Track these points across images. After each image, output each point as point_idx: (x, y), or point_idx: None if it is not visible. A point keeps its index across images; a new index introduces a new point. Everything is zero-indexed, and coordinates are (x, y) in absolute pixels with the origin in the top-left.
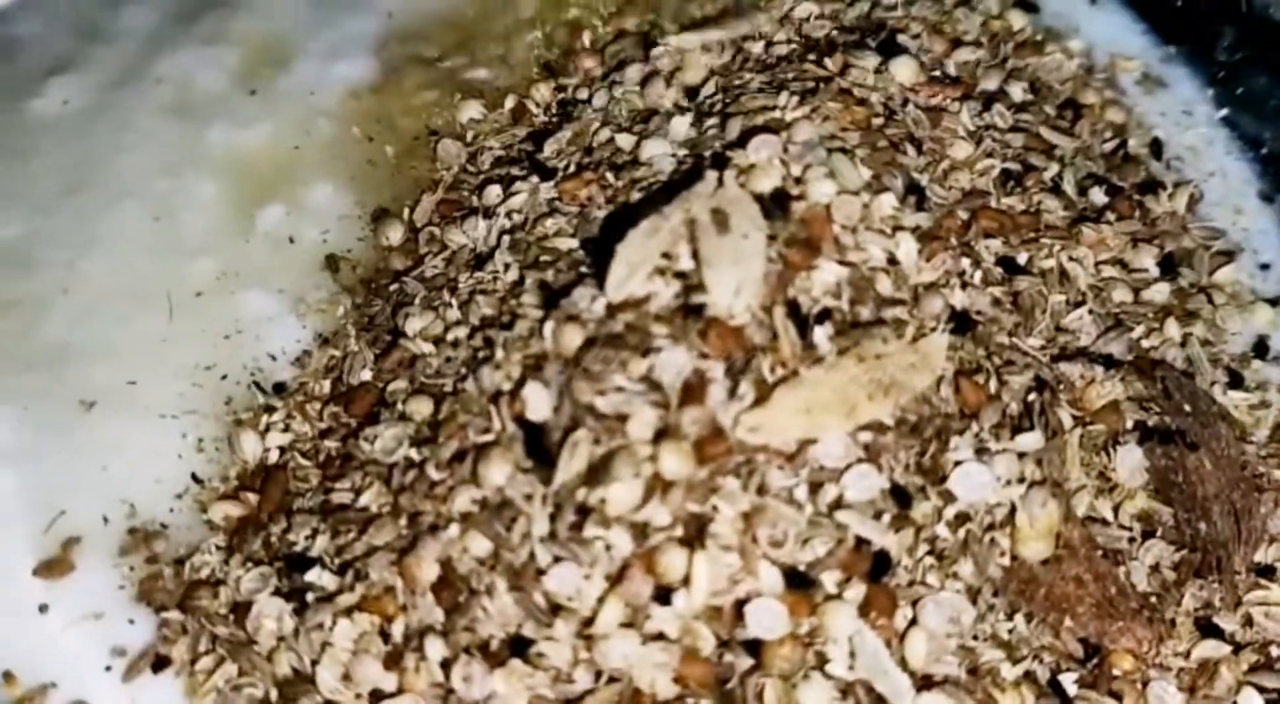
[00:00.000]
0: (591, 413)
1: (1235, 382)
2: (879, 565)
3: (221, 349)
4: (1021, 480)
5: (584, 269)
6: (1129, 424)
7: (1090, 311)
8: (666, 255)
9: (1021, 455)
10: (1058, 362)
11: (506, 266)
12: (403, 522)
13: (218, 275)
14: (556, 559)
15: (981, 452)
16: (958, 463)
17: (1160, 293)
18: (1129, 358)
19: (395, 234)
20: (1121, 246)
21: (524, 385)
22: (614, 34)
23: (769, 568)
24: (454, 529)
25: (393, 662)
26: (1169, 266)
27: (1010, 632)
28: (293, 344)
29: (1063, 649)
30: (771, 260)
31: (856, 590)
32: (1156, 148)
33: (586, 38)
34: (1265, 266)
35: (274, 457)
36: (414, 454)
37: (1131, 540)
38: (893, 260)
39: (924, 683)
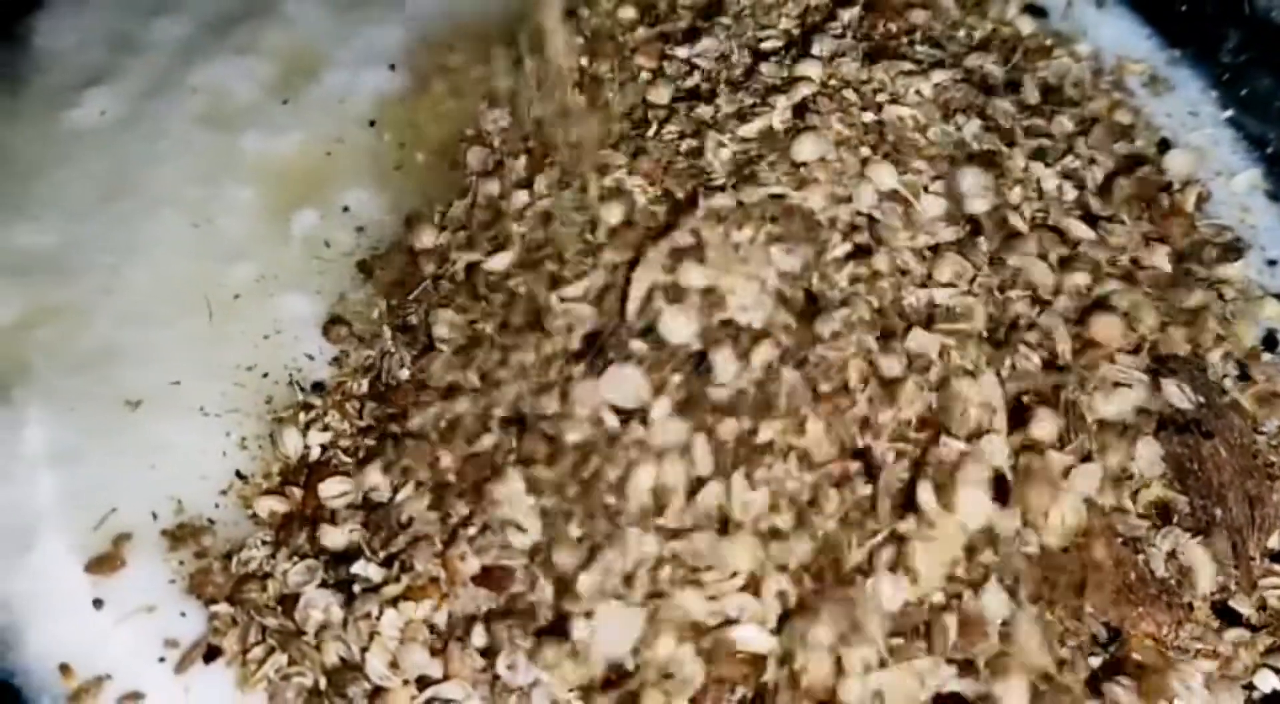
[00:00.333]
0: None
1: (1245, 374)
2: None
3: (261, 350)
4: None
5: None
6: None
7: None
8: None
9: None
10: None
11: None
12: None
13: (256, 279)
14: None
15: None
16: None
17: (1170, 289)
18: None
19: (427, 238)
20: (1135, 245)
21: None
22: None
23: None
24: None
25: (439, 648)
26: (1179, 264)
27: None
28: (329, 345)
29: (1085, 633)
30: None
31: None
32: (1164, 148)
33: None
34: (1272, 263)
35: (315, 453)
36: None
37: (1149, 528)
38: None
39: None
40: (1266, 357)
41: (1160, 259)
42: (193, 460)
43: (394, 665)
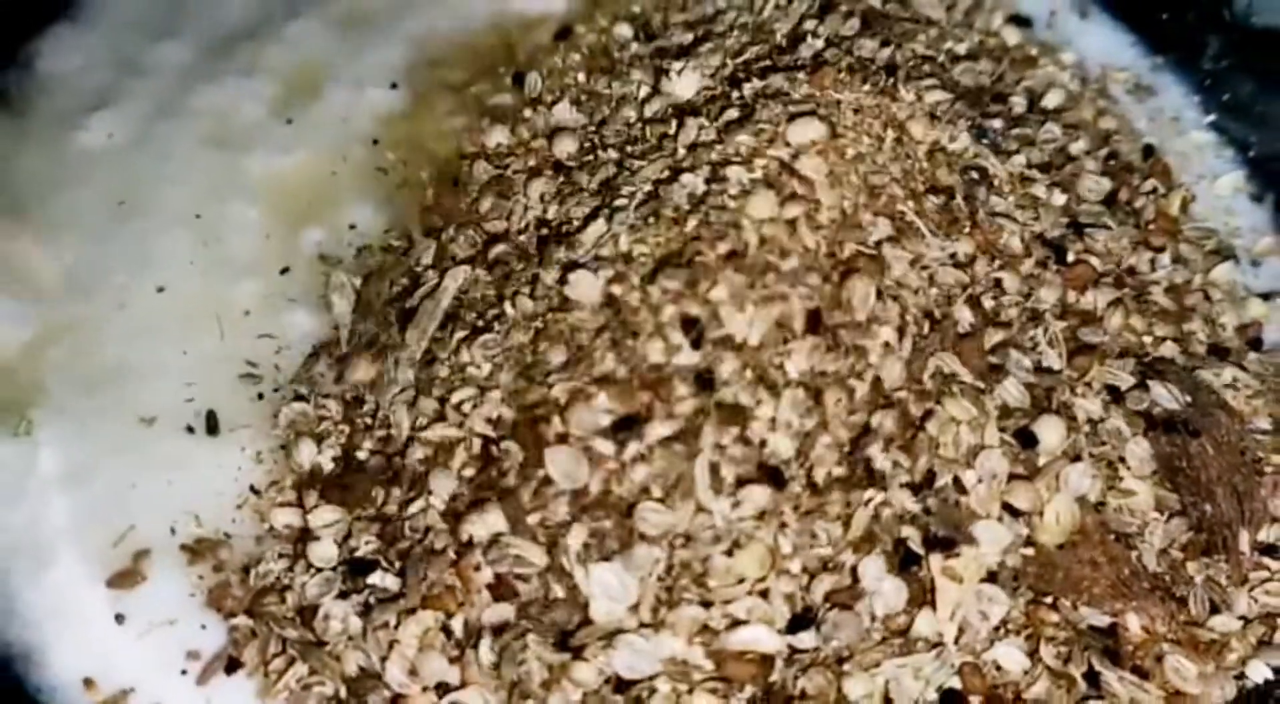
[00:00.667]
0: None
1: (1233, 374)
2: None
3: (271, 365)
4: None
5: None
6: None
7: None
8: None
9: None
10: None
11: None
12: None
13: (264, 295)
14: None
15: None
16: None
17: (1158, 291)
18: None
19: (429, 254)
20: (1123, 250)
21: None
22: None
23: None
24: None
25: (456, 656)
26: (1166, 267)
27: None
28: (335, 359)
29: (1082, 628)
30: None
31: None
32: (1148, 154)
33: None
34: (1256, 263)
35: (328, 466)
36: None
37: (1142, 525)
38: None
39: None
40: (1252, 356)
41: (1147, 263)
42: (208, 475)
43: (413, 673)
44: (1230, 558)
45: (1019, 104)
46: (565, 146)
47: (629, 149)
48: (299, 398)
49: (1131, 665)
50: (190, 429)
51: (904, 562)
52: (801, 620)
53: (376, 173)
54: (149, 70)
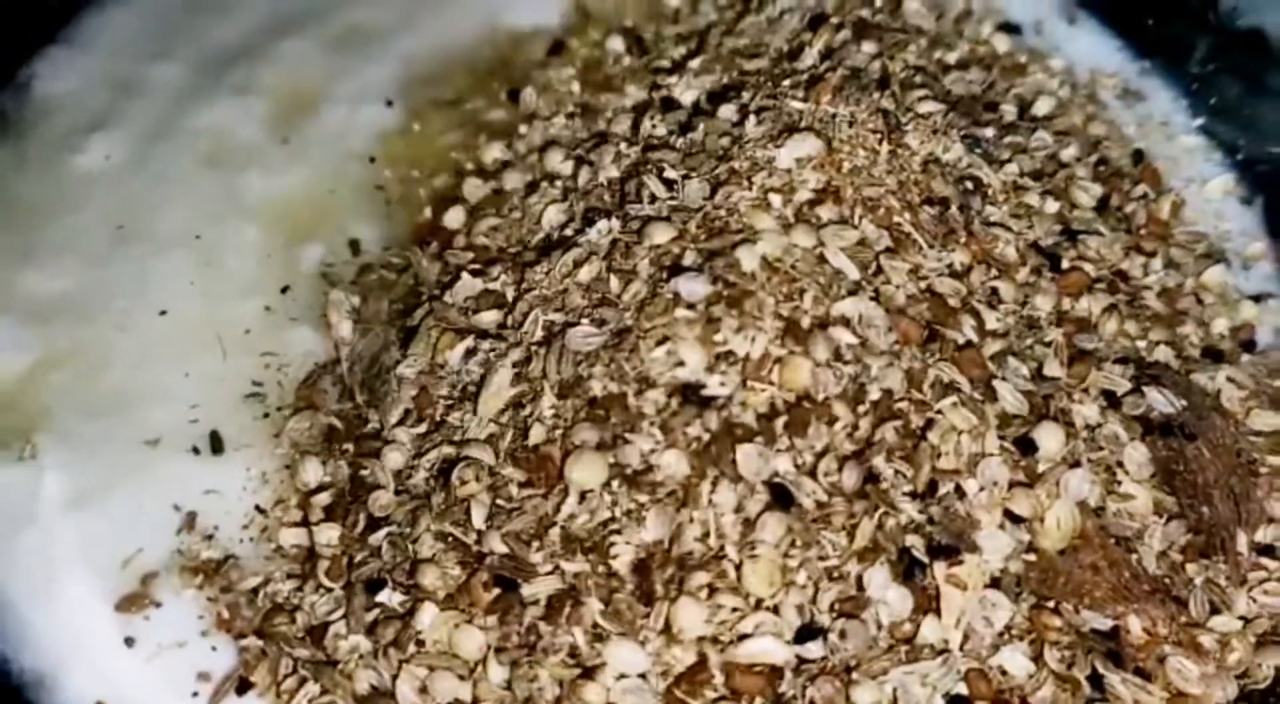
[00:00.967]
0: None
1: (1226, 376)
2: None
3: (274, 384)
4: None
5: None
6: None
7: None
8: None
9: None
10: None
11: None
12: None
13: (265, 314)
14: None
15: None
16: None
17: (1151, 296)
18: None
19: (429, 267)
20: (1116, 256)
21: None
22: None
23: None
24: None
25: (466, 674)
26: (1159, 272)
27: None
28: (338, 377)
29: (1085, 632)
30: None
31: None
32: (1138, 159)
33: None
34: (1247, 266)
35: (334, 485)
36: None
37: (1141, 528)
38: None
39: None
40: (1245, 358)
41: (1140, 268)
42: (214, 496)
43: (424, 691)
44: (1229, 559)
45: (1010, 112)
46: (562, 161)
47: (626, 164)
48: (302, 417)
49: (1134, 667)
50: (195, 450)
51: (908, 570)
52: (809, 631)
53: (374, 190)
54: (145, 91)
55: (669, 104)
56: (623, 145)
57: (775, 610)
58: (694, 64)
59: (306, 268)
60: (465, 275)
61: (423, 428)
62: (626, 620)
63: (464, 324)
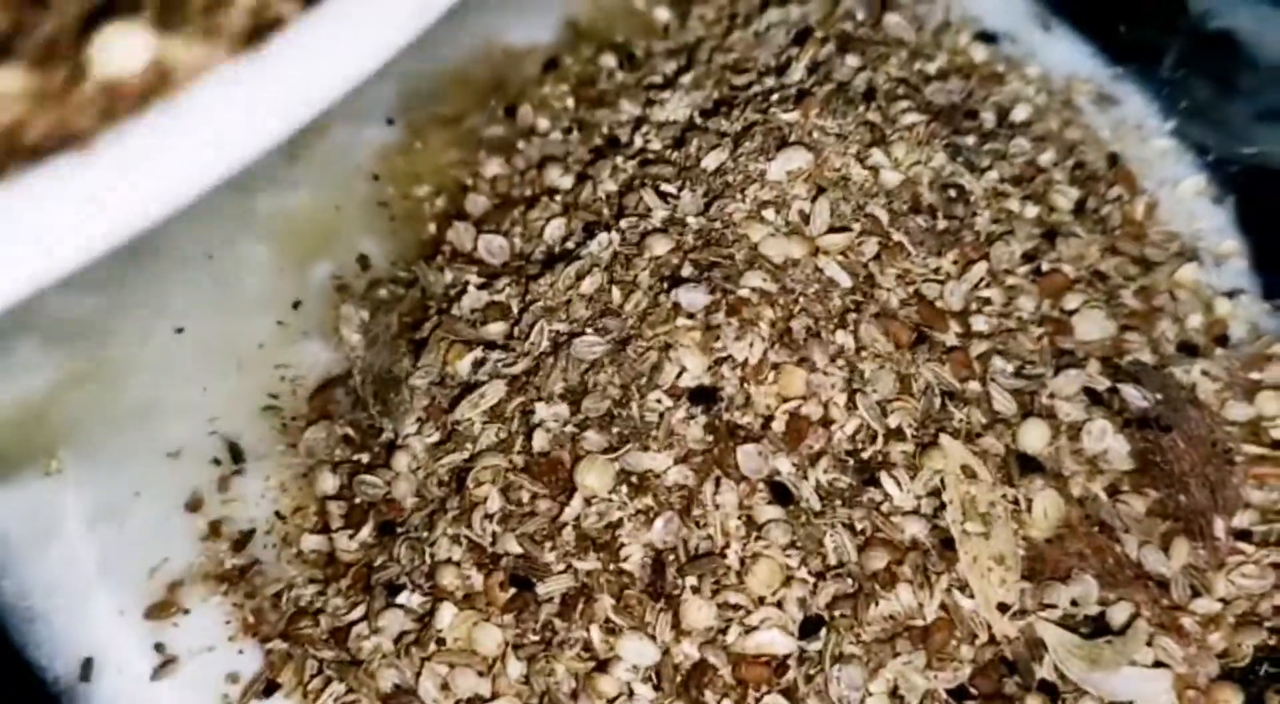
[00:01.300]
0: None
1: (1201, 369)
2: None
3: (288, 395)
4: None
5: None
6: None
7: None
8: None
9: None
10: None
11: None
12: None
13: (278, 329)
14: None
15: None
16: None
17: (1127, 295)
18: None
19: (436, 281)
20: (1093, 257)
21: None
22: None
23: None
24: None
25: (485, 670)
26: (1134, 271)
27: None
28: (351, 389)
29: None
30: None
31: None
32: (1113, 162)
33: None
34: (1220, 263)
35: (350, 492)
36: None
37: (1123, 517)
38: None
39: None
40: (1219, 351)
41: (1115, 268)
42: (236, 505)
43: (445, 688)
44: (1207, 544)
45: (989, 120)
46: (561, 176)
47: (623, 178)
48: (319, 427)
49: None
50: (216, 461)
51: (913, 562)
52: (813, 622)
53: (379, 207)
54: None
55: (663, 119)
56: (619, 160)
57: (779, 605)
58: (685, 79)
59: (316, 283)
60: (471, 288)
61: (436, 436)
62: (637, 615)
63: (472, 336)
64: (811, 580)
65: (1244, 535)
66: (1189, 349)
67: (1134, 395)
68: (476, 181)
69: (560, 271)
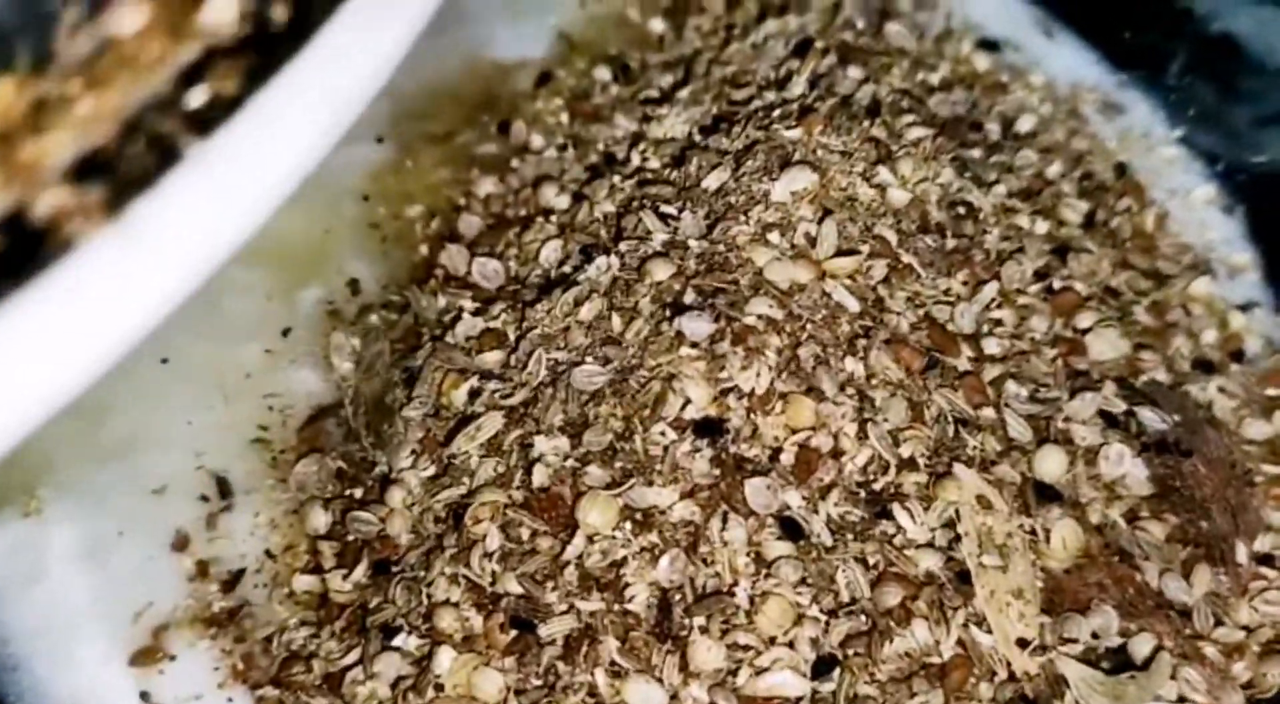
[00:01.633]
0: None
1: (1218, 386)
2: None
3: (278, 426)
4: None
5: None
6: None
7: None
8: None
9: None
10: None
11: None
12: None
13: (266, 357)
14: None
15: None
16: None
17: (1140, 311)
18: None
19: (429, 306)
20: (1104, 272)
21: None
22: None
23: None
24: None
25: None
26: (1146, 285)
27: None
28: (342, 420)
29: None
30: None
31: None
32: (1121, 172)
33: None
34: (1233, 276)
35: (344, 529)
36: None
37: (1143, 544)
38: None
39: None
40: (1235, 367)
41: (1127, 283)
42: (224, 543)
43: None
44: (1229, 570)
45: (994, 131)
46: (556, 196)
47: (621, 198)
48: (310, 460)
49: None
50: (204, 497)
51: (928, 597)
52: (826, 662)
53: (369, 229)
54: None
55: (661, 136)
56: (616, 179)
57: (791, 645)
58: (683, 94)
59: (306, 309)
60: (466, 315)
61: (432, 470)
62: (644, 658)
63: (467, 365)
64: (824, 618)
65: (1266, 560)
66: (1204, 366)
67: (1151, 418)
68: (470, 201)
69: (558, 297)
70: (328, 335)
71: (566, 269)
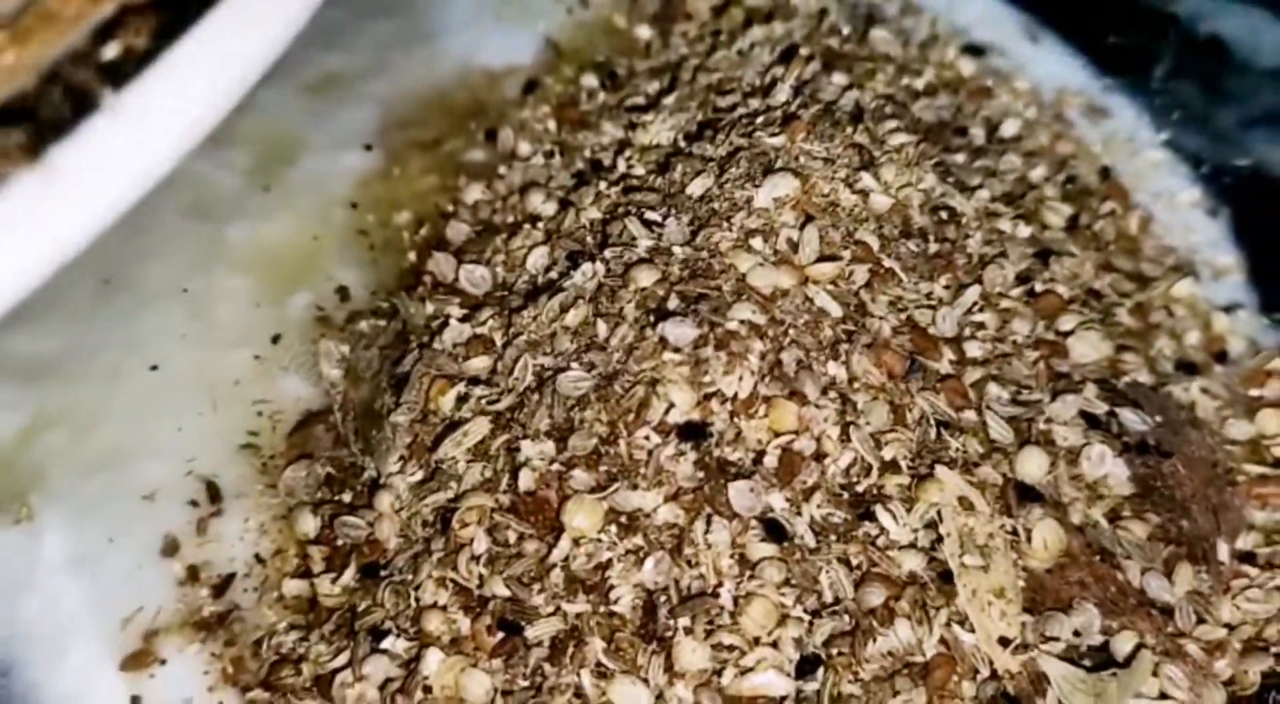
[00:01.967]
0: None
1: (1200, 387)
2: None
3: (267, 432)
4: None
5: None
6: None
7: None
8: None
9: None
10: (1056, 398)
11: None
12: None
13: (255, 364)
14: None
15: None
16: None
17: (1123, 313)
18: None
19: (417, 313)
20: (1087, 275)
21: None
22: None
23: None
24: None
25: None
26: (1129, 288)
27: None
28: (331, 425)
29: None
30: None
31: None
32: (1105, 176)
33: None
34: (1217, 277)
35: (332, 533)
36: None
37: (1125, 543)
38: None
39: None
40: (1218, 368)
41: (1110, 286)
42: (214, 548)
43: None
44: (1210, 569)
45: (978, 136)
46: (543, 202)
47: (606, 204)
48: (299, 466)
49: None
50: (193, 503)
51: (911, 597)
52: (810, 662)
53: (357, 236)
54: None
55: (646, 143)
56: (602, 185)
57: (775, 645)
58: (668, 101)
59: (295, 316)
60: (453, 321)
61: (419, 475)
62: (629, 659)
63: (455, 371)
64: (807, 619)
65: (1248, 558)
66: (1187, 367)
67: (1132, 419)
68: (457, 208)
69: (544, 304)
70: (316, 342)
71: (553, 275)
